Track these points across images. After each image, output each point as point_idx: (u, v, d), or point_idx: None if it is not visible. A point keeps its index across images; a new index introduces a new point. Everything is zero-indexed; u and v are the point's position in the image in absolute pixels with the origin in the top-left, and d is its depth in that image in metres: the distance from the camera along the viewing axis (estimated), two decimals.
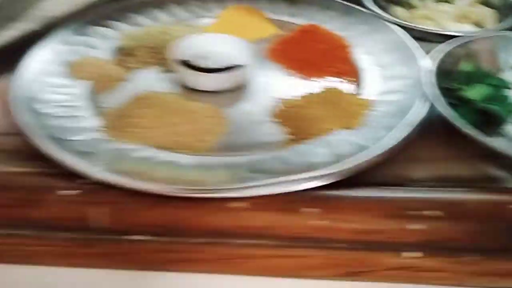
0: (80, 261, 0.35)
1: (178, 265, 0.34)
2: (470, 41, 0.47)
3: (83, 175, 0.36)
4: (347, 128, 0.41)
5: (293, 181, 0.35)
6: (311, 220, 0.34)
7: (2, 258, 0.36)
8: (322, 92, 0.45)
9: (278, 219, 0.34)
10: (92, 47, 0.51)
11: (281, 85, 0.48)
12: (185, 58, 0.48)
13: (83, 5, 0.55)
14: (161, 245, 0.34)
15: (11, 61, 0.48)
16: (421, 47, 0.49)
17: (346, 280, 0.33)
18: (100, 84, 0.47)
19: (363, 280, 0.33)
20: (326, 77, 0.48)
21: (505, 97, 0.43)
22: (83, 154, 0.37)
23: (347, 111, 0.42)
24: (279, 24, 0.56)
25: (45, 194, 0.35)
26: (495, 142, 0.38)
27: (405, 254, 0.33)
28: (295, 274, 0.34)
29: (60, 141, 0.38)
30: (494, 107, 0.42)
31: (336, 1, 0.57)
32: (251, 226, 0.34)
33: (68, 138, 0.39)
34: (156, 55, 0.51)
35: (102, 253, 0.35)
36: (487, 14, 0.55)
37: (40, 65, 0.47)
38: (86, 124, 0.41)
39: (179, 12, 0.57)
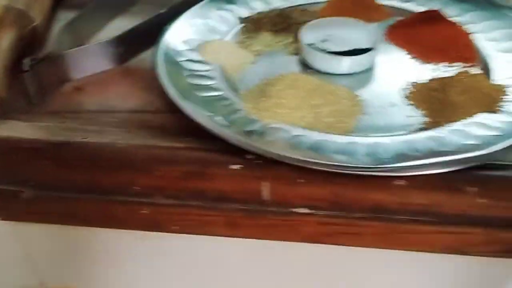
0: (245, 232, 0.37)
1: (338, 238, 0.36)
2: None
3: (248, 151, 0.38)
4: (488, 112, 0.42)
5: (451, 161, 0.36)
6: (470, 198, 0.35)
7: (170, 227, 0.38)
8: (456, 76, 0.46)
9: (436, 197, 0.35)
10: (217, 31, 0.53)
11: (407, 69, 0.49)
12: (316, 42, 0.49)
13: None
14: (323, 219, 0.36)
15: (141, 44, 0.51)
16: None
17: (507, 257, 0.35)
18: (231, 66, 0.49)
19: None
20: (450, 62, 0.49)
21: None
22: (242, 132, 0.40)
23: (484, 95, 0.43)
24: (390, 9, 0.57)
25: (214, 168, 0.38)
26: None
27: None
28: (455, 251, 0.35)
29: (218, 119, 0.41)
30: None
31: None
32: (410, 203, 0.35)
33: (222, 117, 0.41)
34: (279, 38, 0.53)
35: (266, 225, 0.37)
36: None
37: (172, 47, 0.49)
38: (235, 104, 0.43)
39: None
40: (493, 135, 0.39)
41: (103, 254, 0.42)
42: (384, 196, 0.36)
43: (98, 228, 0.40)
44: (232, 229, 0.37)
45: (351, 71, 0.48)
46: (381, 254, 0.37)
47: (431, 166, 0.36)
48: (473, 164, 0.36)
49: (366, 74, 0.49)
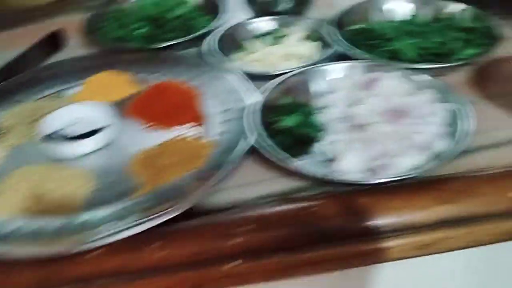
0: None
1: None
2: (288, 77, 0.58)
3: None
4: (192, 169, 0.50)
5: (139, 223, 0.44)
6: (155, 253, 0.42)
7: None
8: (172, 140, 0.54)
9: (129, 257, 0.42)
10: None
11: (141, 138, 0.56)
12: (52, 131, 0.55)
13: None
14: None
15: None
16: (256, 85, 0.59)
17: None
18: None
19: None
20: (179, 126, 0.57)
21: (314, 121, 0.54)
22: None
23: (192, 154, 0.52)
24: (141, 81, 0.65)
25: None
26: (297, 163, 0.48)
27: (230, 264, 0.42)
28: None
29: None
30: (305, 131, 0.53)
31: (185, 57, 0.68)
32: (104, 270, 0.42)
33: None
34: (31, 130, 0.58)
35: None
36: (311, 48, 0.67)
37: None
38: None
39: (52, 85, 0.65)
40: (187, 191, 0.47)
41: None
42: (83, 268, 0.42)
43: None
44: None
45: (87, 151, 0.55)
46: None
47: (118, 233, 0.43)
48: (153, 224, 0.44)
49: (105, 149, 0.56)
